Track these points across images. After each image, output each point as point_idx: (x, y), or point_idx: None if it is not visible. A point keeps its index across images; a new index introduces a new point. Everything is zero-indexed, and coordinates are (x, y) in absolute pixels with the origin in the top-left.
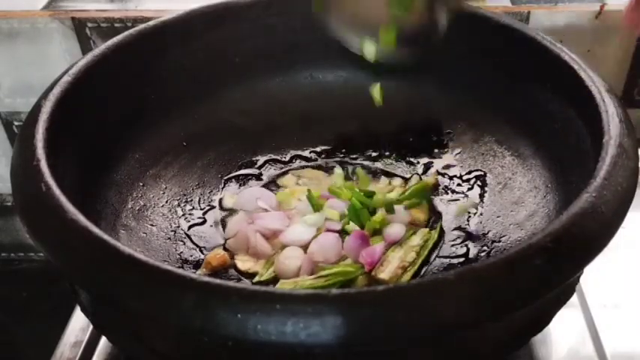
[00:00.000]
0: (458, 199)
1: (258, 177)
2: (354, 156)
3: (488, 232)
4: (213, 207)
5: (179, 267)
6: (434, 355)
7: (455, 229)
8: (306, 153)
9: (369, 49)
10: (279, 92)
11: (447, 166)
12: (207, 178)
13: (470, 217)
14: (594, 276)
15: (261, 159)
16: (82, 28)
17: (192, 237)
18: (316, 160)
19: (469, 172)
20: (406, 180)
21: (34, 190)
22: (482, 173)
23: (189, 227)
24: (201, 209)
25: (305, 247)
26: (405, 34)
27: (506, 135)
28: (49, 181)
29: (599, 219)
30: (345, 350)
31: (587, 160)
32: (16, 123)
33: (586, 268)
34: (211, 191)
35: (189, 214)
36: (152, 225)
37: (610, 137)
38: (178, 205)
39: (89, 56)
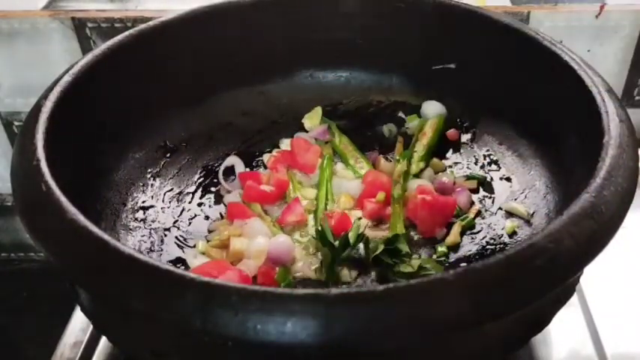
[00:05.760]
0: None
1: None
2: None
3: (487, 232)
4: (213, 207)
5: (179, 267)
6: (434, 355)
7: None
8: None
9: None
10: (279, 92)
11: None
12: (207, 178)
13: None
14: (594, 276)
15: (261, 158)
16: (82, 28)
17: (193, 237)
18: None
19: (470, 172)
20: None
21: (34, 190)
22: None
23: (190, 227)
24: (201, 209)
25: None
26: None
27: (506, 135)
28: (49, 181)
29: (599, 219)
30: (345, 350)
31: (587, 160)
32: (16, 123)
33: (586, 268)
34: (211, 191)
35: (189, 214)
36: (152, 225)
37: (610, 137)
38: (178, 204)
39: (89, 56)
